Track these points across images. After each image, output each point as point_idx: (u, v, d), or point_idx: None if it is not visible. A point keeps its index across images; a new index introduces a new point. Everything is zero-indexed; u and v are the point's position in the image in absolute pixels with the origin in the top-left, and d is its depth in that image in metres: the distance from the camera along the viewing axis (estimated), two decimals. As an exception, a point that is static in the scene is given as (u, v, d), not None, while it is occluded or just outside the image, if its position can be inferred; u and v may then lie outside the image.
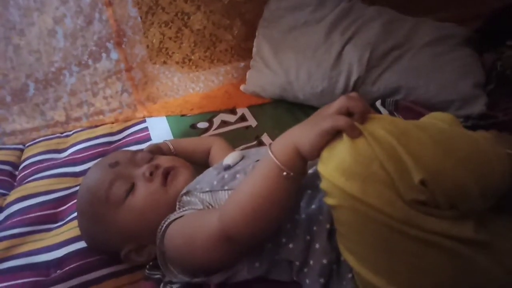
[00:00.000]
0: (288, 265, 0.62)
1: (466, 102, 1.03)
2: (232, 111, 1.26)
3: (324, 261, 0.59)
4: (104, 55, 1.26)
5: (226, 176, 0.70)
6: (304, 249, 0.61)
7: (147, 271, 0.73)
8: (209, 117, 1.24)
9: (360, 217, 0.47)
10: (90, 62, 1.26)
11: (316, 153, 0.51)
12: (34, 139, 1.23)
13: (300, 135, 0.53)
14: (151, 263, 0.73)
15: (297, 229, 0.61)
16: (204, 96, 1.36)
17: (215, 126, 1.20)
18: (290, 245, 0.61)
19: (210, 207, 0.67)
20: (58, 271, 0.79)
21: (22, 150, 1.20)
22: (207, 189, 0.69)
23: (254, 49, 1.35)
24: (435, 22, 1.18)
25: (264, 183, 0.54)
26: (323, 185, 0.50)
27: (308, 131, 0.52)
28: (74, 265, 0.78)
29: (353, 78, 1.13)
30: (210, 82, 1.39)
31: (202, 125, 1.21)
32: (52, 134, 1.25)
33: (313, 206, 0.62)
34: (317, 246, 0.60)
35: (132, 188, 0.73)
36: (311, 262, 0.60)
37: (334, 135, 0.50)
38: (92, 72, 1.27)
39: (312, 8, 1.28)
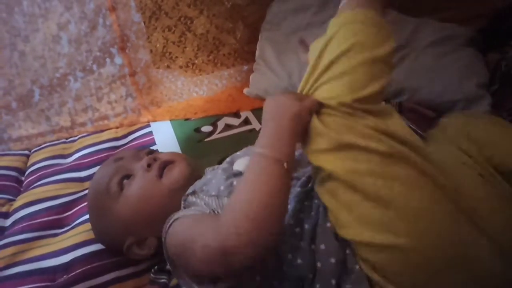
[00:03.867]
0: (299, 280, 0.60)
1: (470, 102, 1.02)
2: (236, 115, 1.26)
3: (333, 260, 0.57)
4: (108, 60, 1.27)
5: (234, 183, 0.69)
6: (311, 262, 0.59)
7: (152, 275, 0.73)
8: (213, 120, 1.24)
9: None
10: (94, 67, 1.27)
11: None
12: (40, 145, 1.24)
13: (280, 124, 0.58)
14: (156, 267, 0.73)
15: (302, 241, 0.60)
16: (208, 99, 1.36)
17: (219, 129, 1.20)
18: (298, 261, 0.59)
19: (216, 212, 0.66)
20: (65, 276, 0.79)
21: (28, 156, 1.20)
22: (213, 193, 0.69)
23: (257, 52, 1.35)
24: (437, 22, 1.17)
25: (267, 185, 0.53)
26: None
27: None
28: (81, 270, 0.79)
29: (357, 80, 1.12)
30: (213, 86, 1.40)
31: (206, 128, 1.21)
32: (57, 140, 1.25)
33: (312, 213, 0.62)
34: (322, 247, 0.58)
35: (129, 178, 0.75)
36: (319, 264, 0.58)
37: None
38: (97, 77, 1.27)
39: (315, 10, 1.28)
